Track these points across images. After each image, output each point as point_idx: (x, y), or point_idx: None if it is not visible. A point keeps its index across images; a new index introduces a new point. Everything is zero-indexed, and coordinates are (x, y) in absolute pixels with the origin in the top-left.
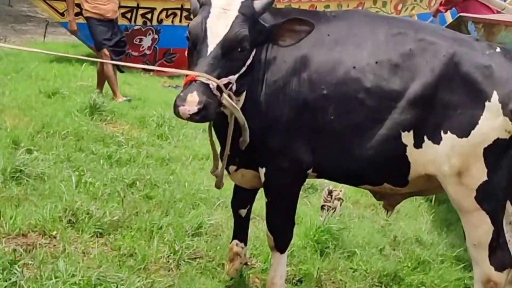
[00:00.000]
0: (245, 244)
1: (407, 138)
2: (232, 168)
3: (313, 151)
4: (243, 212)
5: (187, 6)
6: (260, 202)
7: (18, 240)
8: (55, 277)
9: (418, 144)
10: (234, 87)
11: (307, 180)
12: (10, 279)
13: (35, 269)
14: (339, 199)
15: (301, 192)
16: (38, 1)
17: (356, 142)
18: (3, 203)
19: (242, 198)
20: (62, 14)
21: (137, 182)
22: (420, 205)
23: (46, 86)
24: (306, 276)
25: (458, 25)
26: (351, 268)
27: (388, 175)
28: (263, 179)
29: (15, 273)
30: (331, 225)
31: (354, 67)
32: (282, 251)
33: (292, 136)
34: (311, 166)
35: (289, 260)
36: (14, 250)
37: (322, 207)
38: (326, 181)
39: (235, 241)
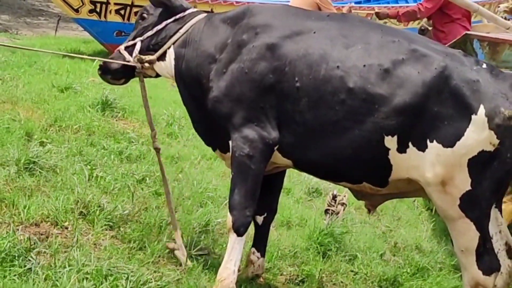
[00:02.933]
0: (262, 255)
1: (390, 142)
2: (222, 155)
3: (282, 135)
4: (259, 219)
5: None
6: None
7: (31, 229)
8: (69, 265)
9: (401, 149)
10: (138, 45)
11: (312, 184)
12: (25, 266)
13: (49, 257)
14: (342, 204)
15: (305, 196)
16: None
17: (334, 139)
18: (16, 192)
19: (257, 205)
20: (76, 10)
21: (147, 179)
22: (420, 213)
23: (59, 80)
24: (308, 276)
25: (464, 42)
26: (352, 271)
27: (367, 175)
28: (231, 152)
29: (30, 260)
30: (334, 229)
31: (337, 66)
32: (238, 232)
33: (256, 113)
34: (277, 143)
35: (292, 260)
36: (29, 238)
37: (326, 211)
38: (331, 186)
39: (253, 249)
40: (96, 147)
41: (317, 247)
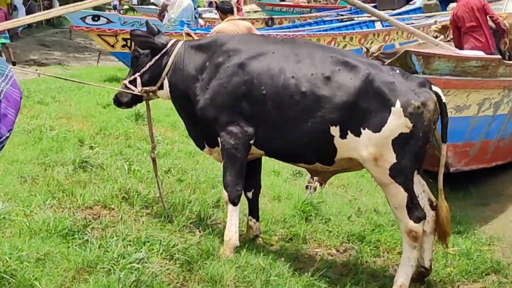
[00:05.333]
0: (257, 220)
1: (335, 131)
2: (210, 149)
3: (255, 129)
4: (249, 194)
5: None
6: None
7: (87, 212)
8: (116, 236)
9: (343, 136)
10: (138, 80)
11: (296, 168)
12: (83, 238)
13: (101, 231)
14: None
15: (291, 176)
16: (94, 36)
17: (293, 131)
18: (74, 185)
19: (246, 184)
20: (112, 46)
21: (172, 169)
22: (377, 185)
23: (102, 99)
24: (295, 236)
25: (405, 57)
26: (328, 230)
27: (319, 157)
28: (220, 146)
29: (87, 234)
30: (313, 200)
31: (292, 76)
32: (234, 203)
33: (236, 116)
34: (253, 137)
35: (283, 224)
36: (85, 217)
37: (307, 187)
38: None
39: (249, 217)
40: (132, 148)
41: (301, 213)
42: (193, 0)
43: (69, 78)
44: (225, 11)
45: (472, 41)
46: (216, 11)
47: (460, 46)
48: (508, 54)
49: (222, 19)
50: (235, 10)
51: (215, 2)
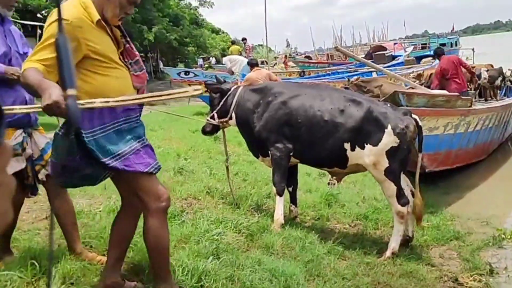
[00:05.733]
0: (296, 206)
1: (347, 145)
2: (263, 159)
3: (293, 145)
4: (290, 189)
5: None
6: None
7: (183, 202)
8: (202, 217)
9: (353, 149)
10: (215, 115)
11: (321, 170)
12: (181, 219)
13: (193, 214)
14: (336, 179)
15: (318, 176)
16: (186, 85)
17: (319, 146)
18: (174, 184)
19: (288, 182)
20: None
21: (239, 173)
22: (376, 181)
23: (192, 127)
24: (321, 216)
25: (394, 95)
26: (343, 212)
27: (336, 163)
28: (270, 156)
29: (183, 216)
30: (333, 191)
31: (318, 110)
32: (280, 195)
33: (280, 136)
34: (292, 151)
35: (313, 208)
36: (182, 205)
37: (328, 183)
38: None
39: (290, 204)
40: (212, 159)
41: (325, 201)
42: None
43: (170, 113)
44: (252, 65)
45: (454, 84)
46: (262, 65)
47: (442, 88)
48: (470, 89)
49: (251, 70)
50: (283, 65)
51: (256, 60)
